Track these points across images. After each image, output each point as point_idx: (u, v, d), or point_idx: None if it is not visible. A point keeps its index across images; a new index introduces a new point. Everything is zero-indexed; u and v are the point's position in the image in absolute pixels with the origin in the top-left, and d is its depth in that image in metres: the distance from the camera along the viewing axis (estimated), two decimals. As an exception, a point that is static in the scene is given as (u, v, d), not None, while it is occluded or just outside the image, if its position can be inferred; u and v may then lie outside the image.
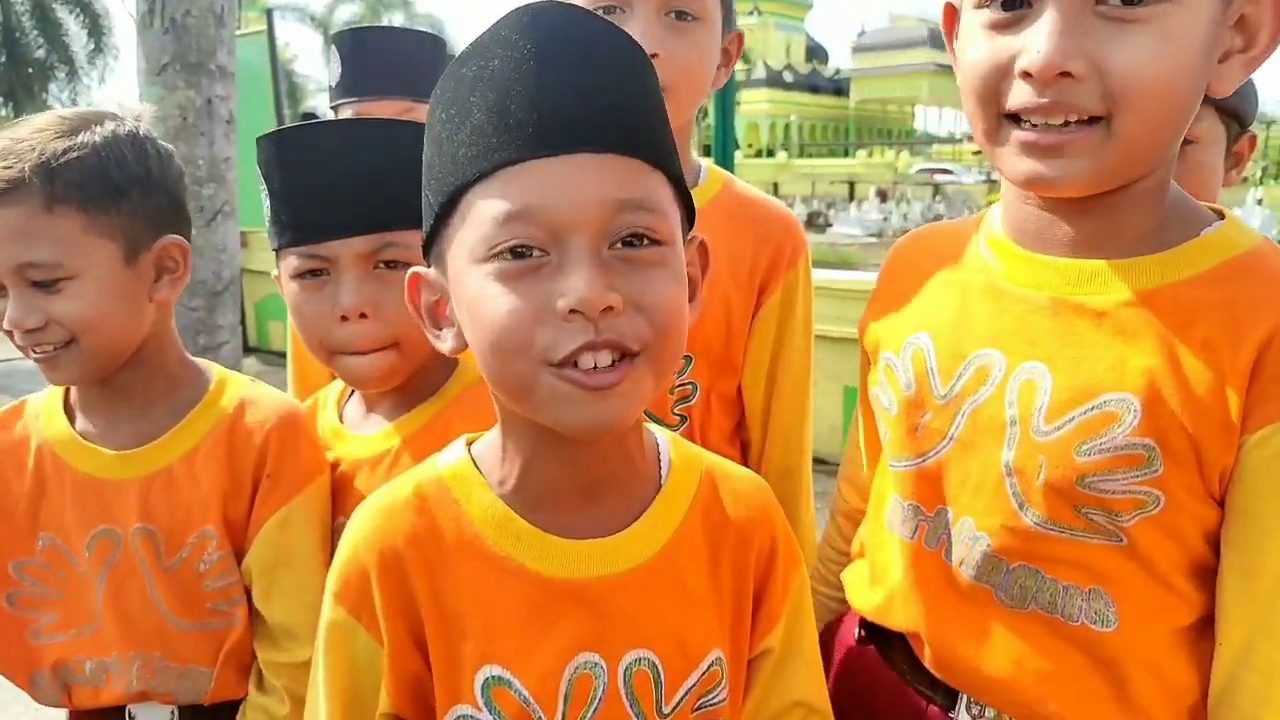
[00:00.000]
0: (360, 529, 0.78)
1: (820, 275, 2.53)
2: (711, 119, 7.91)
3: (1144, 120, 0.75)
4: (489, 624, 0.75)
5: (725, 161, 7.54)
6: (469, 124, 0.69)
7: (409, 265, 0.86)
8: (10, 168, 0.98)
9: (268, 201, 1.07)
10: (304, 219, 1.04)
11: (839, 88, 57.64)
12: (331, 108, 2.26)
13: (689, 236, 0.77)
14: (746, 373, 1.31)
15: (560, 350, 0.66)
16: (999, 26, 0.79)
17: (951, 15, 0.88)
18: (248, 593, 1.08)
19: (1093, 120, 0.76)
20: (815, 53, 61.38)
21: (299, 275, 1.06)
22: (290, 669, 1.05)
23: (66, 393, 1.11)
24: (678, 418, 1.28)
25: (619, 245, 0.68)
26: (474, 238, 0.69)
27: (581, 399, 0.68)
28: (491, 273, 0.68)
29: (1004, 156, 0.81)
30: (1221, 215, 0.85)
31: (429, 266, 0.78)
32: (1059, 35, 0.74)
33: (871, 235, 19.40)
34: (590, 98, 0.68)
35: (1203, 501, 0.80)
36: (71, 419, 1.09)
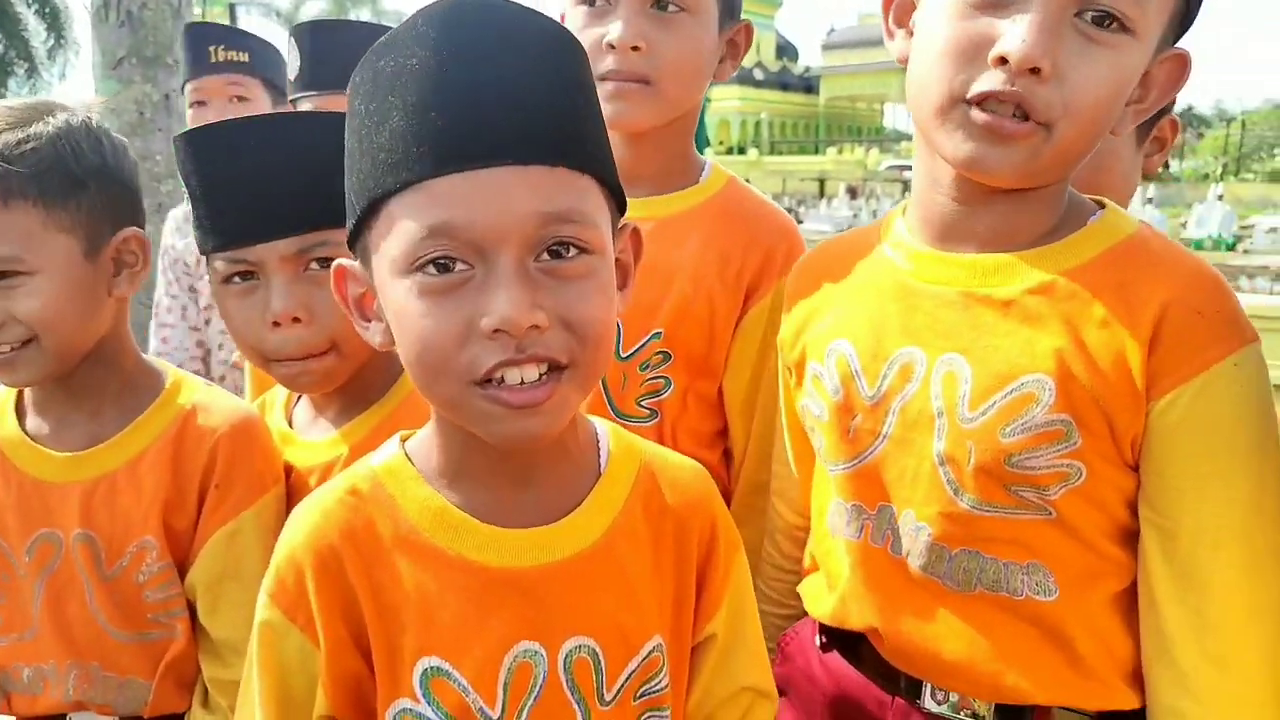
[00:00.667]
0: (296, 530, 0.77)
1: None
2: (682, 116, 7.89)
3: (1080, 132, 0.82)
4: (427, 615, 0.74)
5: (695, 158, 7.52)
6: (388, 127, 0.67)
7: None
8: None
9: (188, 205, 1.03)
10: (225, 222, 1.00)
11: (809, 85, 57.91)
12: (290, 101, 2.22)
13: (620, 224, 0.77)
14: (728, 377, 1.27)
15: (481, 367, 0.66)
16: (981, 6, 0.81)
17: None
18: (191, 606, 1.05)
19: (1038, 123, 0.81)
20: (785, 51, 61.61)
21: (226, 280, 1.02)
22: (236, 686, 1.01)
23: (20, 392, 1.08)
24: (645, 410, 1.25)
25: (545, 256, 0.67)
26: (396, 249, 0.68)
27: (508, 416, 0.68)
28: (415, 287, 0.67)
29: (949, 136, 0.84)
30: (1102, 204, 0.91)
31: (355, 259, 0.76)
32: (1041, 31, 0.78)
33: (842, 231, 19.58)
34: (513, 104, 0.66)
35: (1119, 469, 0.85)
36: (22, 419, 1.06)
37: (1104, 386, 0.82)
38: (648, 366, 1.23)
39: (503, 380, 0.67)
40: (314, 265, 1.00)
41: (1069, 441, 0.83)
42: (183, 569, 1.04)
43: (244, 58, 2.21)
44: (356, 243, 0.75)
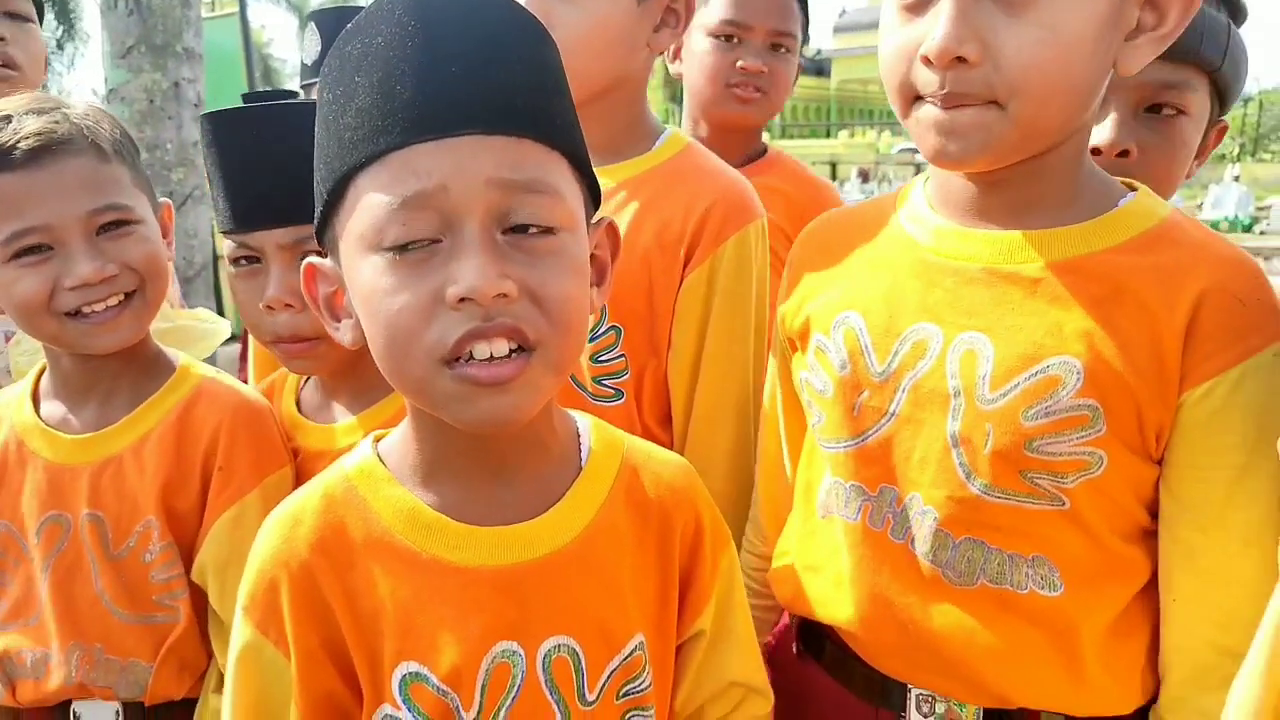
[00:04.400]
0: (266, 542, 0.76)
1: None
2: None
3: (1038, 106, 0.78)
4: (404, 620, 0.72)
5: (706, 143, 7.48)
6: (354, 105, 0.67)
7: None
8: (59, 123, 0.98)
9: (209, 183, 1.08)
10: (232, 207, 1.04)
11: (820, 68, 57.47)
12: (302, 87, 2.22)
13: (595, 219, 0.76)
14: (671, 352, 1.21)
15: (449, 340, 0.65)
16: (907, 10, 0.81)
17: None
18: (195, 590, 1.05)
19: (990, 102, 0.78)
20: (796, 33, 61.13)
21: (235, 261, 1.06)
22: None
23: (36, 382, 1.10)
24: (611, 390, 1.21)
25: (511, 231, 0.66)
26: (364, 225, 0.67)
27: (477, 395, 0.66)
28: (383, 264, 0.66)
29: (917, 134, 0.83)
30: (1134, 187, 0.88)
31: (324, 255, 0.75)
32: (953, 21, 0.76)
33: (853, 216, 19.43)
34: (477, 75, 0.66)
35: (1141, 460, 0.82)
36: (37, 407, 1.08)
37: (1134, 372, 0.79)
38: (600, 343, 1.20)
39: (471, 357, 0.65)
40: (309, 255, 1.00)
41: (1093, 428, 0.80)
42: (185, 551, 1.05)
43: None
44: (325, 234, 0.74)
